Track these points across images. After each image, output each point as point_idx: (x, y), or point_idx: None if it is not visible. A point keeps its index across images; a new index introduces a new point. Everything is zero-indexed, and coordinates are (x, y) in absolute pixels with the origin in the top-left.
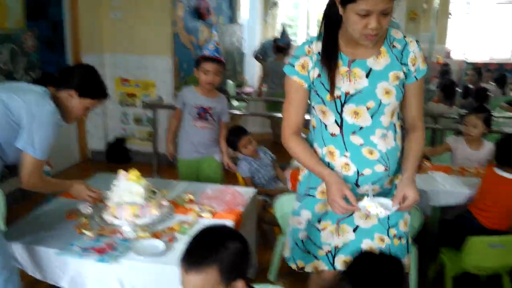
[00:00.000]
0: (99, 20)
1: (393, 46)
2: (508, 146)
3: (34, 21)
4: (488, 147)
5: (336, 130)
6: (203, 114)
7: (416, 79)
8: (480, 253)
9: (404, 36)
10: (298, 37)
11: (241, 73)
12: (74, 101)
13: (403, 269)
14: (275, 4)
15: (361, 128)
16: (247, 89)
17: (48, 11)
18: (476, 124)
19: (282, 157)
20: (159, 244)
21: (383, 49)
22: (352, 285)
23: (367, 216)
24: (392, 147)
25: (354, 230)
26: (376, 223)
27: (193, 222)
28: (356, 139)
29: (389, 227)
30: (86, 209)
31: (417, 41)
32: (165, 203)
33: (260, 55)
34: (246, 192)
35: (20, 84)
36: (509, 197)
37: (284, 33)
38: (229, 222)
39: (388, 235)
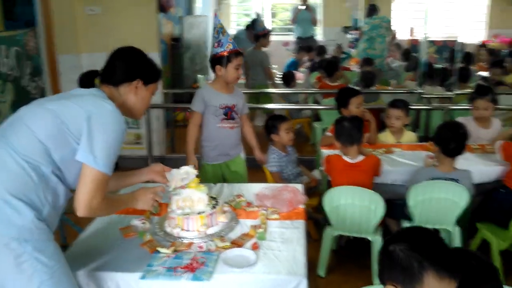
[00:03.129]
0: (73, 17)
1: None
2: None
3: (9, 22)
4: (496, 124)
5: None
6: (229, 113)
7: None
8: None
9: None
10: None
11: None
12: (141, 91)
13: None
14: None
15: None
16: None
17: (18, 10)
18: (487, 106)
19: None
20: (247, 253)
21: None
22: None
23: None
24: None
25: None
26: None
27: (265, 226)
28: None
29: None
30: (142, 224)
31: None
32: (226, 208)
33: None
34: (300, 188)
35: (71, 91)
36: None
37: (258, 21)
38: (300, 222)
39: None
